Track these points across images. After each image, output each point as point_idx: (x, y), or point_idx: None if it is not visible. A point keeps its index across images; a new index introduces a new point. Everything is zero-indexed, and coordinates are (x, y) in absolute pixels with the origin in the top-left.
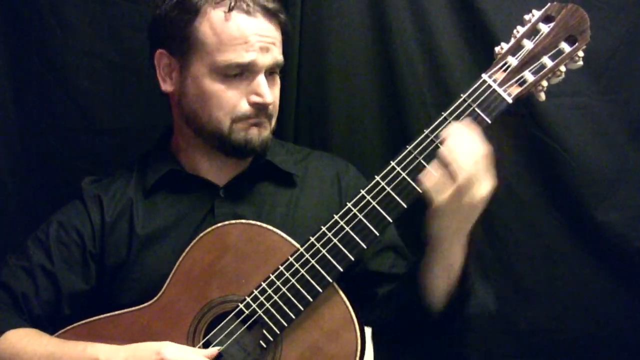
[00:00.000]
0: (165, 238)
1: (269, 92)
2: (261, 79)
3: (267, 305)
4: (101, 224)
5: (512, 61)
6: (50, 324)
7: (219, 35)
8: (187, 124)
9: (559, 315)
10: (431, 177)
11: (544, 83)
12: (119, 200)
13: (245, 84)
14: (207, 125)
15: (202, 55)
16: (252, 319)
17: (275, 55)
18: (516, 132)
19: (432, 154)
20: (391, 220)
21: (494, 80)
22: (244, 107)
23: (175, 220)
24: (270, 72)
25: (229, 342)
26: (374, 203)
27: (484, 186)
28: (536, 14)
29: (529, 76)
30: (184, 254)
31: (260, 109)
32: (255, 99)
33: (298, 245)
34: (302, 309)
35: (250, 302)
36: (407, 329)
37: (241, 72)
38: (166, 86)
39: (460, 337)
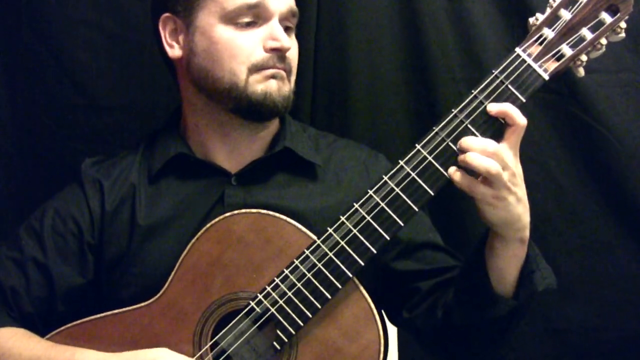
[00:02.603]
0: (170, 228)
1: (286, 37)
2: (275, 23)
3: (281, 302)
4: (101, 213)
5: (548, 33)
6: (43, 322)
7: None
8: (199, 90)
9: (602, 312)
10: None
11: (583, 57)
12: (120, 187)
13: (259, 32)
14: (221, 81)
15: (209, 5)
16: (265, 318)
17: (289, 1)
18: (555, 111)
19: (461, 136)
20: (417, 209)
21: (529, 55)
22: (260, 54)
23: (181, 209)
24: (285, 28)
25: (239, 343)
26: (397, 190)
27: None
28: None
29: (566, 50)
30: (189, 246)
31: (278, 56)
32: (271, 43)
33: (315, 237)
34: (319, 307)
35: (262, 299)
36: (469, 320)
37: (254, 21)
38: (174, 52)
39: (519, 321)
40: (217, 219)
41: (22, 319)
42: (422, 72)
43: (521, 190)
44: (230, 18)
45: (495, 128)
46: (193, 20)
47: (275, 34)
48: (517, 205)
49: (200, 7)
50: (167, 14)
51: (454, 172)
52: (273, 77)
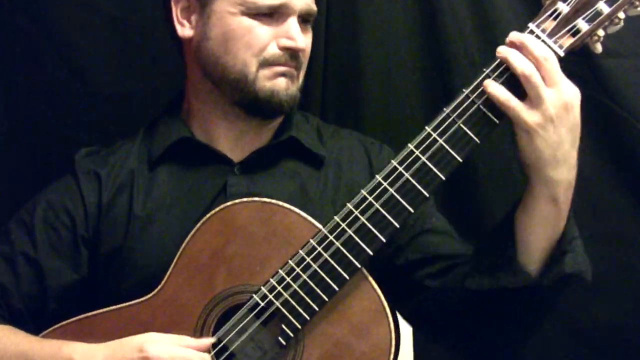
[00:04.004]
0: (170, 219)
1: (302, 37)
2: (293, 21)
3: (286, 296)
4: (97, 204)
5: (563, 8)
6: (34, 320)
7: None
8: (206, 75)
9: (628, 310)
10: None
11: (600, 32)
12: (117, 176)
13: (276, 26)
14: (231, 70)
15: None
16: (269, 312)
17: (308, 1)
18: None
19: (472, 117)
20: (428, 195)
21: (543, 30)
22: (274, 49)
23: (182, 199)
24: (302, 20)
25: (242, 339)
26: (407, 175)
27: (570, 89)
28: None
29: (582, 25)
30: (188, 237)
31: (290, 55)
32: (286, 42)
33: (320, 226)
34: (326, 299)
35: (266, 292)
36: (489, 298)
37: (272, 13)
38: (184, 31)
39: (548, 304)
40: (218, 209)
41: (11, 316)
42: (438, 57)
43: (567, 137)
44: (249, 10)
45: None
46: (210, 3)
47: (292, 33)
48: (557, 147)
49: None
50: None
51: (489, 83)
52: (283, 74)
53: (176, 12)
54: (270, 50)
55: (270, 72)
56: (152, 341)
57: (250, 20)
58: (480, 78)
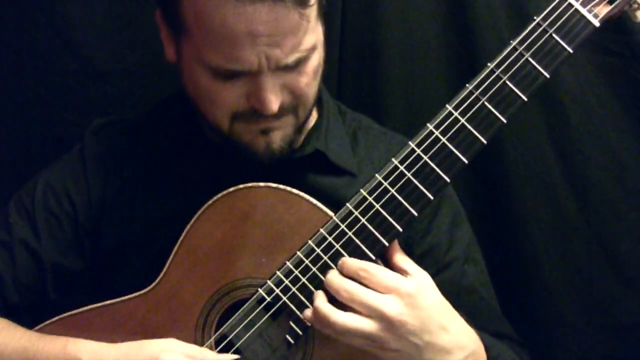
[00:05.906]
0: (177, 222)
1: (273, 99)
2: (262, 82)
3: (294, 290)
4: (101, 194)
5: None
6: (31, 314)
7: (201, 27)
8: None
9: None
10: None
11: None
12: (123, 168)
13: (245, 82)
14: (205, 116)
15: (191, 43)
16: (276, 307)
17: (279, 55)
18: (615, 77)
19: (497, 94)
20: (448, 180)
21: None
22: (244, 106)
23: (192, 201)
24: (289, 67)
25: (249, 335)
26: (425, 158)
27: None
28: None
29: None
30: (189, 226)
31: (262, 114)
32: (255, 104)
33: (332, 214)
34: None
35: (273, 286)
36: None
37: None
38: (169, 53)
39: None
40: (219, 195)
41: (7, 310)
42: (464, 32)
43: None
44: (210, 70)
45: (539, 84)
46: (179, 42)
47: (260, 97)
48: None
49: (184, 34)
50: (159, 13)
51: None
52: (262, 131)
53: (162, 34)
54: (241, 108)
55: (246, 128)
56: (169, 351)
57: (213, 80)
58: (507, 51)
